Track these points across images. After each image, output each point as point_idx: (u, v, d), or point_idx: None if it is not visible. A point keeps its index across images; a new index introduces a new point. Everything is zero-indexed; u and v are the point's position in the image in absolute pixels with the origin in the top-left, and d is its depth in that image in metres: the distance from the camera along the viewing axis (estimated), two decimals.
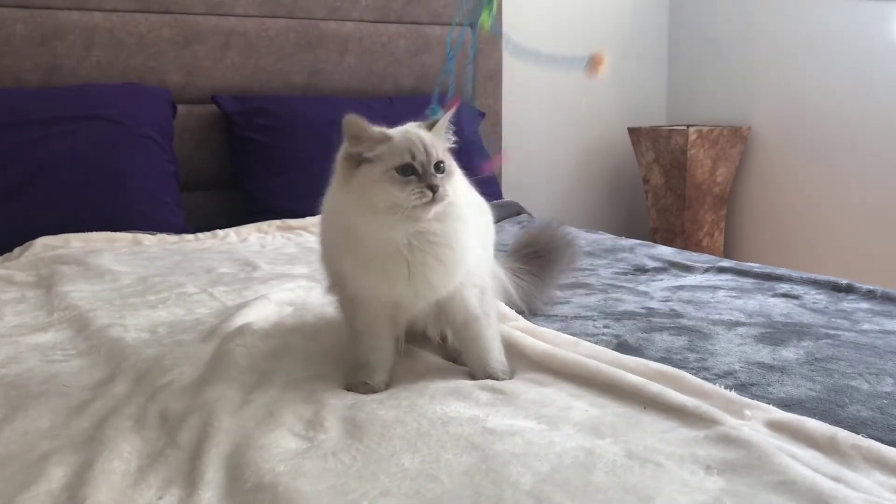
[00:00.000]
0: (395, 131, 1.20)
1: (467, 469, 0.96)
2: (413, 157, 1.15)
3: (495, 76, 3.50)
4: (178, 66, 2.93)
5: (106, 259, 2.18)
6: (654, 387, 1.18)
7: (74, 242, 2.35)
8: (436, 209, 1.16)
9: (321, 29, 3.15)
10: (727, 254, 3.82)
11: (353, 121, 1.16)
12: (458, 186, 1.23)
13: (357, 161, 1.17)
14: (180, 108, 2.89)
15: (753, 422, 1.09)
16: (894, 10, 3.14)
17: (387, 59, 3.26)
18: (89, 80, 2.80)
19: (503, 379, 1.27)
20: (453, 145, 1.25)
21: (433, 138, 1.19)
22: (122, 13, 2.85)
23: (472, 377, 1.27)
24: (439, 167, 1.17)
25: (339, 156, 1.20)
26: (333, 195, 1.23)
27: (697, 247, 3.65)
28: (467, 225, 1.23)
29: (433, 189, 1.14)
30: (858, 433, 1.06)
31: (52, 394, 1.25)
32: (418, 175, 1.14)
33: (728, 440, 1.01)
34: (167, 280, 1.95)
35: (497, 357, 1.30)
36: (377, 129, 1.17)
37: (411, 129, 1.20)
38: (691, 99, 4.03)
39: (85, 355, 1.45)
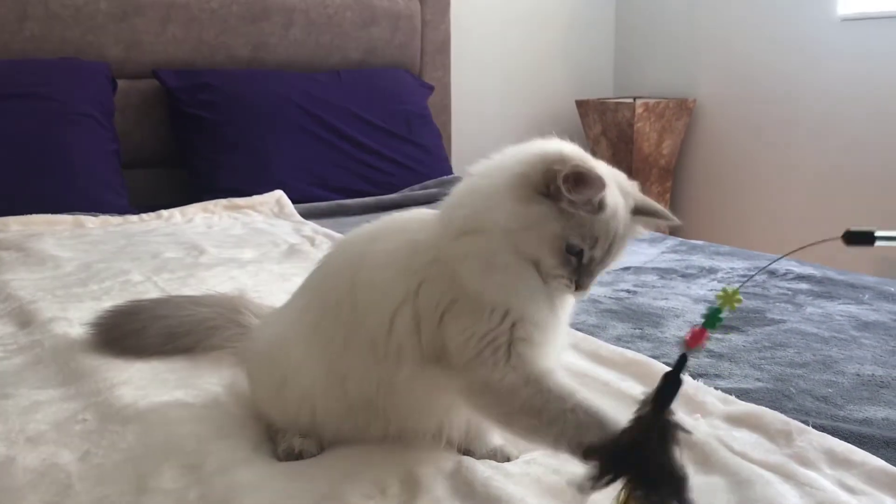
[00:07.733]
0: (611, 196, 0.94)
1: None
2: (592, 246, 0.93)
3: (444, 49, 3.45)
4: (118, 40, 2.83)
5: (47, 244, 2.12)
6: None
7: (14, 226, 2.28)
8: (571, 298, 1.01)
9: (265, 1, 3.06)
10: None
11: (579, 164, 0.92)
12: None
13: (543, 193, 0.92)
14: (120, 83, 2.81)
15: (711, 417, 1.12)
16: None
17: (333, 32, 3.18)
18: (23, 55, 2.69)
19: (511, 458, 1.05)
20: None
21: (627, 230, 0.97)
22: None
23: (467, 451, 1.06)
24: (604, 263, 0.96)
25: (523, 172, 0.94)
26: (501, 205, 0.94)
27: None
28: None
29: (580, 288, 0.95)
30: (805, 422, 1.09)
31: None
32: (580, 262, 0.94)
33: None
34: (111, 267, 1.91)
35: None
36: (600, 179, 0.91)
37: (620, 209, 0.95)
38: (638, 71, 4.05)
39: (27, 350, 1.41)
